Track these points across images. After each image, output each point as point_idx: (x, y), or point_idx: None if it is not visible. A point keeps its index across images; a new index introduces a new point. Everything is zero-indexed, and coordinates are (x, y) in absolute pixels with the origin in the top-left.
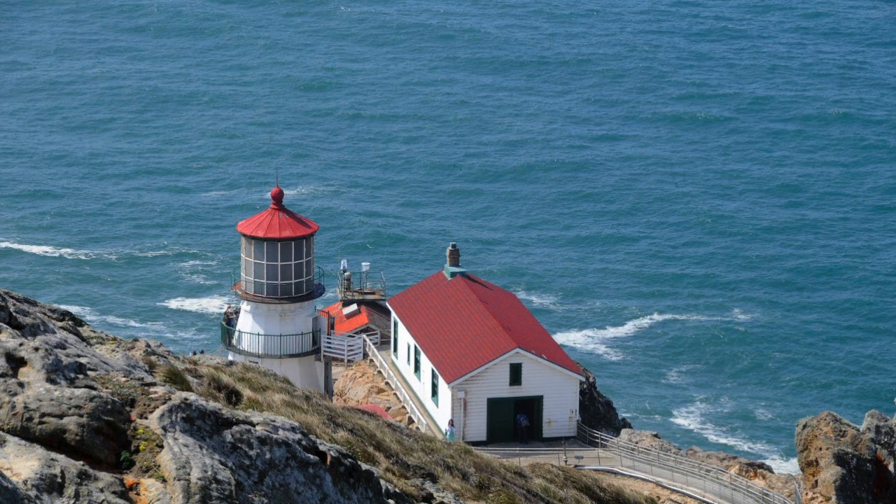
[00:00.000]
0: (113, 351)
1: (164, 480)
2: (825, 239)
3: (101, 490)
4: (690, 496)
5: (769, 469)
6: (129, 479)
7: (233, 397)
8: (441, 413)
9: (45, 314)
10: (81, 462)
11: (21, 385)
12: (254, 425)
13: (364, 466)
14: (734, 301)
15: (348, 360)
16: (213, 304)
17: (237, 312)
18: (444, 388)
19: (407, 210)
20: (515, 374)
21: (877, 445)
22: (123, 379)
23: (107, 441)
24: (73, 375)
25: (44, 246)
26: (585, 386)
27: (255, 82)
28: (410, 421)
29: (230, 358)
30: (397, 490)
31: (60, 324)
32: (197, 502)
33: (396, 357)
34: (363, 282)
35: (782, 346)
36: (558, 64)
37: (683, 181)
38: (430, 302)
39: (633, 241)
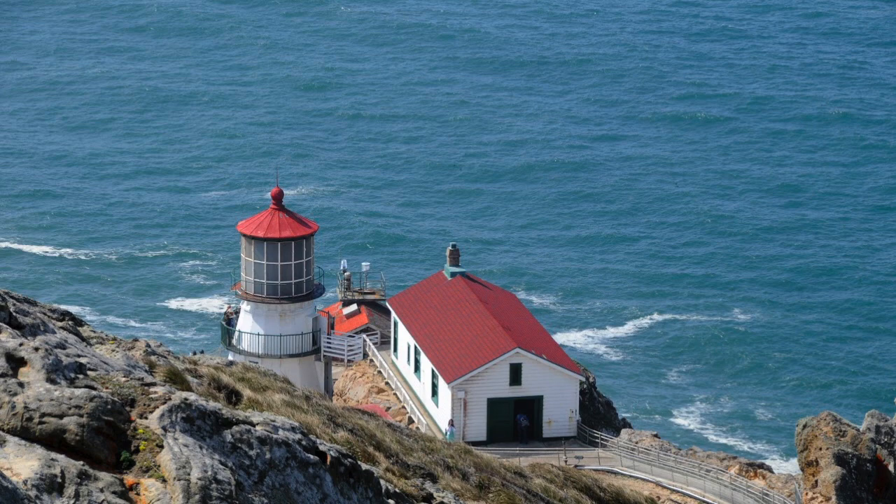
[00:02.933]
0: (113, 351)
1: (164, 480)
2: (825, 239)
3: (101, 490)
4: (690, 496)
5: (769, 469)
6: (129, 479)
7: (233, 397)
8: (441, 413)
9: (45, 314)
10: (81, 462)
11: (21, 385)
12: (254, 425)
13: (364, 466)
14: (734, 301)
15: (348, 360)
16: (213, 304)
17: (237, 312)
18: (444, 388)
19: (407, 210)
20: (515, 374)
21: (877, 445)
22: (123, 379)
23: (107, 441)
24: (73, 375)
25: (44, 246)
26: (585, 386)
27: (255, 82)
28: (410, 421)
29: (230, 358)
30: (397, 490)
31: (60, 324)
32: (197, 502)
33: (396, 357)
34: (363, 282)
35: (782, 346)
36: (558, 64)
37: (683, 181)
38: (430, 302)
39: (633, 241)
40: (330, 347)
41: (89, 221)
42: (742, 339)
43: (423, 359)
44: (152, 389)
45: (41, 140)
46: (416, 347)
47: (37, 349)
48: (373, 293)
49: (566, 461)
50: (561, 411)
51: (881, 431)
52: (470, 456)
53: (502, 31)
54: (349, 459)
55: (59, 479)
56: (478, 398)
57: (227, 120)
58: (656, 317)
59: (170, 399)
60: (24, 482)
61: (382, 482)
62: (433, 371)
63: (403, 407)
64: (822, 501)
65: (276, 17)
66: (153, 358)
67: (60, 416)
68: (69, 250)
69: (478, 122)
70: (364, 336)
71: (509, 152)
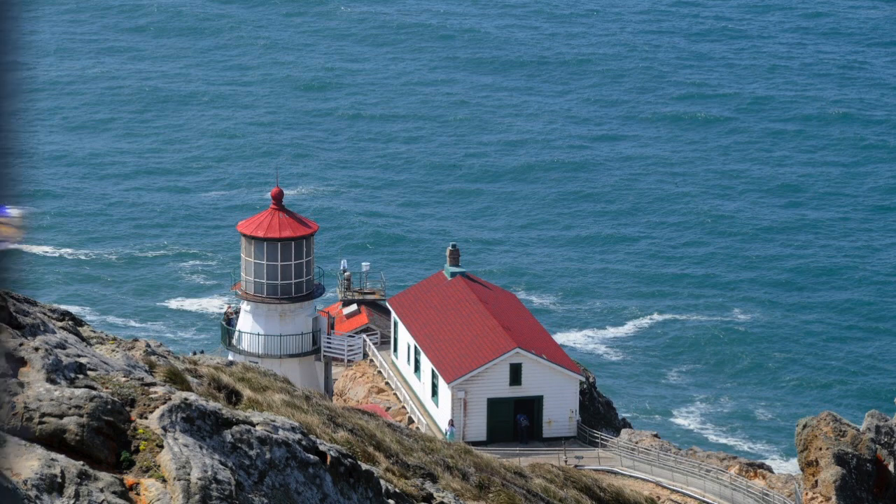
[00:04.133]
0: (113, 351)
1: (164, 480)
2: (825, 239)
3: (101, 490)
4: (690, 496)
5: (769, 469)
6: (129, 479)
7: (233, 397)
8: (441, 413)
9: (45, 314)
10: (81, 462)
11: (21, 385)
12: (254, 425)
13: (364, 466)
14: (734, 301)
15: (348, 360)
16: (213, 304)
17: (237, 312)
18: (444, 388)
19: (407, 210)
20: (515, 374)
21: (877, 445)
22: (123, 379)
23: (107, 441)
24: (73, 375)
25: (44, 246)
26: (585, 386)
27: (255, 82)
28: (410, 421)
29: (230, 358)
30: (397, 490)
31: (60, 324)
32: (197, 502)
33: (396, 357)
34: (363, 282)
35: (782, 346)
36: (558, 64)
37: (683, 181)
38: (430, 302)
39: (633, 241)
40: (330, 347)
41: (89, 221)
42: (742, 339)
43: (423, 359)
44: (152, 389)
45: (41, 140)
46: (416, 347)
47: (37, 349)
48: (373, 293)
49: (566, 461)
50: (561, 411)
51: (881, 431)
52: (470, 456)
53: (502, 31)
54: (349, 459)
55: (59, 479)
56: (478, 398)
57: (227, 120)
58: (656, 317)
59: (170, 399)
60: (24, 482)
61: (382, 482)
62: (433, 371)
63: (403, 407)
64: (822, 501)
65: (276, 17)
66: (153, 358)
67: (60, 416)
68: (69, 250)
69: (478, 122)
70: (364, 336)
71: (509, 152)
